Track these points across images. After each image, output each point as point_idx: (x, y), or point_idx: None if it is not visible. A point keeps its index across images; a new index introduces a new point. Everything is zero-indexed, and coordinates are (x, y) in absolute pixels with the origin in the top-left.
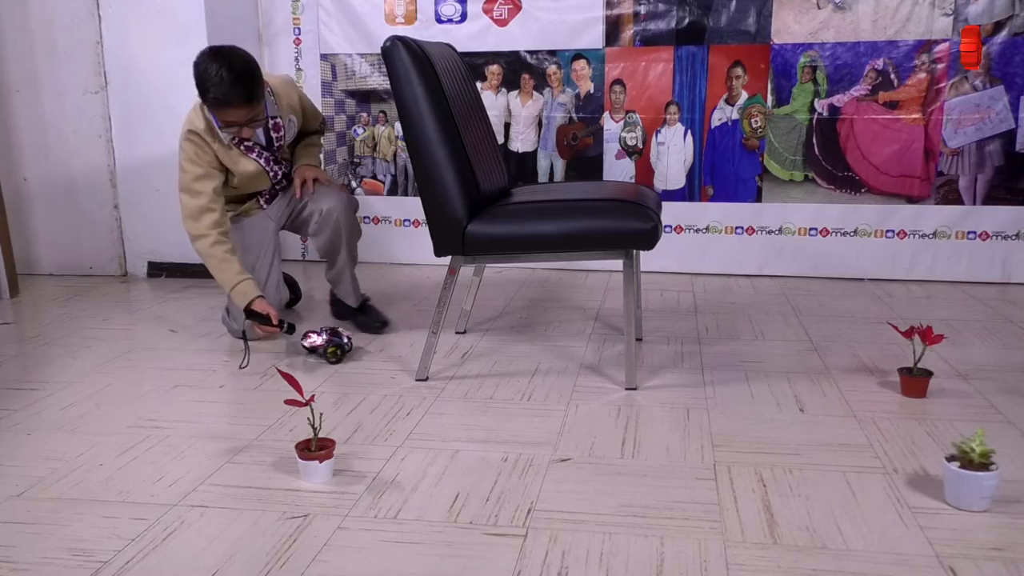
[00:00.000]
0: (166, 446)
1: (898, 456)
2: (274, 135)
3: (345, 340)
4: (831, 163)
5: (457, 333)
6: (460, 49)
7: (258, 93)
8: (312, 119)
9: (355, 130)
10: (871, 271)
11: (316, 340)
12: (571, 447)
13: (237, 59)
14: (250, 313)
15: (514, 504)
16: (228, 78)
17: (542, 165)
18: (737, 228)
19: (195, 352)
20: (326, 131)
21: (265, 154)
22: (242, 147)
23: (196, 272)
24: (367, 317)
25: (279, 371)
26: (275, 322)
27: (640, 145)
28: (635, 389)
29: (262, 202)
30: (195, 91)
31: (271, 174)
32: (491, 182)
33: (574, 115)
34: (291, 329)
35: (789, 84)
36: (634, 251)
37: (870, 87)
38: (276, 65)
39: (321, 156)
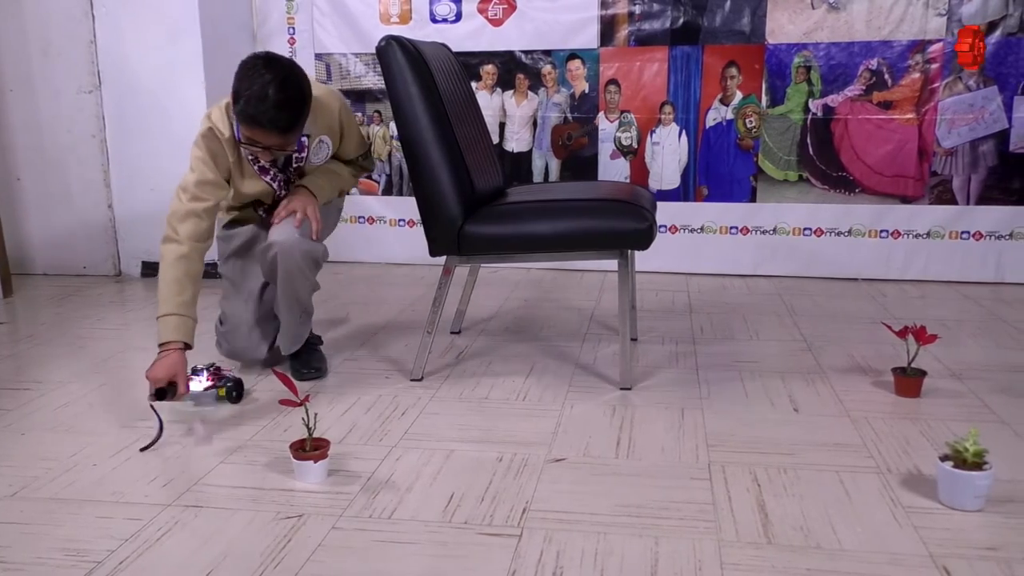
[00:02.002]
0: (160, 446)
1: (892, 456)
2: (295, 154)
3: (231, 376)
4: (825, 163)
5: (452, 333)
6: (455, 49)
7: (299, 125)
8: (351, 145)
9: None
10: (865, 271)
11: (196, 386)
12: (566, 447)
13: (292, 80)
14: (160, 392)
15: (509, 504)
16: (274, 98)
17: (537, 165)
18: (732, 228)
19: (190, 352)
20: (369, 169)
21: (280, 177)
22: (255, 167)
23: None
24: (300, 363)
25: (274, 371)
26: (179, 397)
27: (635, 145)
28: (630, 389)
29: (261, 211)
30: (191, 91)
31: (277, 194)
32: (486, 182)
33: (569, 115)
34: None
35: (783, 84)
36: (629, 251)
37: (864, 87)
38: None
39: (332, 188)
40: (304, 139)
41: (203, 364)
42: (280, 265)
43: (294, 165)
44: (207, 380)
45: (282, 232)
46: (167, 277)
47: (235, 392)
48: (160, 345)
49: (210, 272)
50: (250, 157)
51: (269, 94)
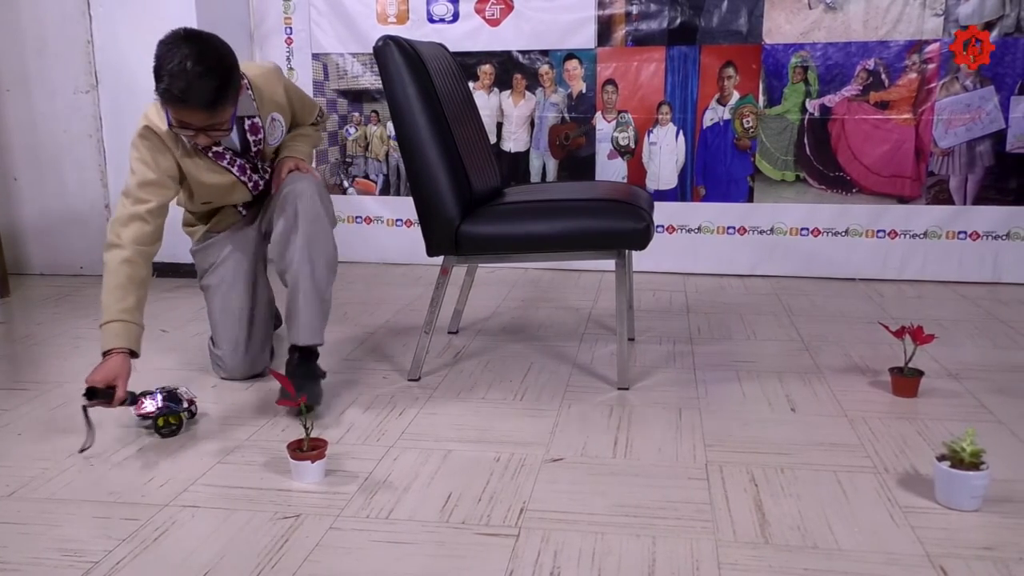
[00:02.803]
0: (157, 446)
1: (889, 456)
2: (251, 138)
3: (185, 405)
4: (822, 163)
5: (449, 333)
6: (452, 49)
7: (225, 98)
8: (305, 113)
9: (347, 130)
10: (862, 271)
11: (148, 407)
12: (563, 447)
13: (210, 50)
14: (91, 392)
15: (506, 504)
16: (192, 70)
17: (534, 165)
18: (729, 228)
19: (186, 351)
20: (326, 122)
21: (239, 161)
22: (209, 154)
23: (187, 272)
24: (302, 371)
25: (271, 371)
26: (115, 402)
27: (632, 145)
28: (627, 389)
29: (241, 208)
30: None
31: (250, 185)
32: (484, 182)
33: (566, 115)
34: (133, 400)
35: (780, 84)
36: (626, 251)
37: (861, 87)
38: None
39: (310, 148)
40: (256, 120)
41: (165, 387)
42: (301, 210)
43: (253, 149)
44: (160, 403)
45: (292, 180)
46: (109, 284)
47: (166, 430)
48: (103, 353)
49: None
50: (198, 145)
51: (187, 67)
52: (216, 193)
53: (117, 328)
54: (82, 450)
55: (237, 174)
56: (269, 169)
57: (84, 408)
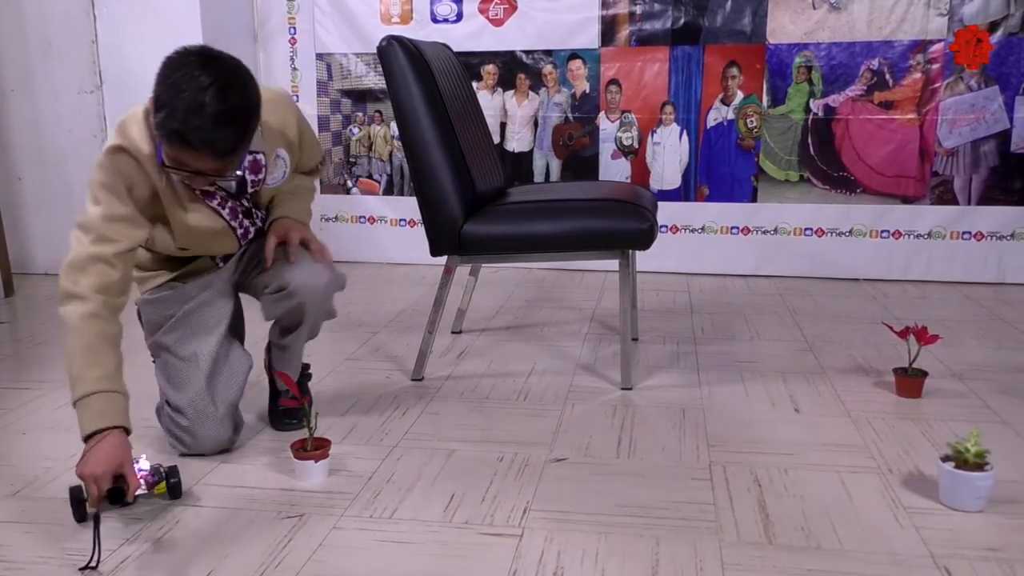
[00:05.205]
0: (160, 446)
1: (893, 456)
2: (250, 177)
3: (162, 470)
4: (826, 163)
5: (453, 333)
6: (456, 49)
7: (242, 147)
8: (310, 154)
9: (351, 130)
10: (866, 271)
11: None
12: (567, 447)
13: (235, 85)
14: (114, 494)
15: (510, 504)
16: (211, 110)
17: (538, 165)
18: (733, 228)
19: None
20: (324, 170)
21: (231, 204)
22: (197, 191)
23: None
24: (283, 412)
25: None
26: (131, 495)
27: (636, 145)
28: (631, 389)
29: (219, 260)
30: None
31: (240, 232)
32: (487, 182)
33: (570, 115)
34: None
35: (784, 84)
36: (630, 251)
37: (865, 87)
38: (271, 66)
39: (309, 207)
40: (260, 157)
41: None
42: (308, 315)
43: (250, 189)
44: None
45: (304, 274)
46: (76, 345)
47: (177, 484)
48: (86, 438)
49: None
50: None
51: (205, 104)
52: (199, 239)
53: (100, 403)
54: (88, 567)
55: (228, 218)
56: (262, 216)
57: (95, 518)
